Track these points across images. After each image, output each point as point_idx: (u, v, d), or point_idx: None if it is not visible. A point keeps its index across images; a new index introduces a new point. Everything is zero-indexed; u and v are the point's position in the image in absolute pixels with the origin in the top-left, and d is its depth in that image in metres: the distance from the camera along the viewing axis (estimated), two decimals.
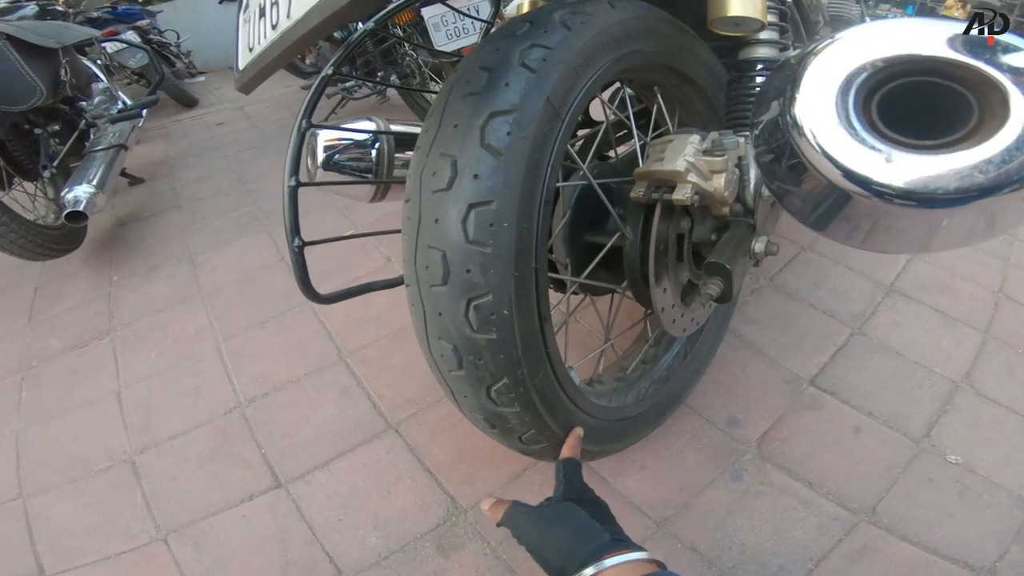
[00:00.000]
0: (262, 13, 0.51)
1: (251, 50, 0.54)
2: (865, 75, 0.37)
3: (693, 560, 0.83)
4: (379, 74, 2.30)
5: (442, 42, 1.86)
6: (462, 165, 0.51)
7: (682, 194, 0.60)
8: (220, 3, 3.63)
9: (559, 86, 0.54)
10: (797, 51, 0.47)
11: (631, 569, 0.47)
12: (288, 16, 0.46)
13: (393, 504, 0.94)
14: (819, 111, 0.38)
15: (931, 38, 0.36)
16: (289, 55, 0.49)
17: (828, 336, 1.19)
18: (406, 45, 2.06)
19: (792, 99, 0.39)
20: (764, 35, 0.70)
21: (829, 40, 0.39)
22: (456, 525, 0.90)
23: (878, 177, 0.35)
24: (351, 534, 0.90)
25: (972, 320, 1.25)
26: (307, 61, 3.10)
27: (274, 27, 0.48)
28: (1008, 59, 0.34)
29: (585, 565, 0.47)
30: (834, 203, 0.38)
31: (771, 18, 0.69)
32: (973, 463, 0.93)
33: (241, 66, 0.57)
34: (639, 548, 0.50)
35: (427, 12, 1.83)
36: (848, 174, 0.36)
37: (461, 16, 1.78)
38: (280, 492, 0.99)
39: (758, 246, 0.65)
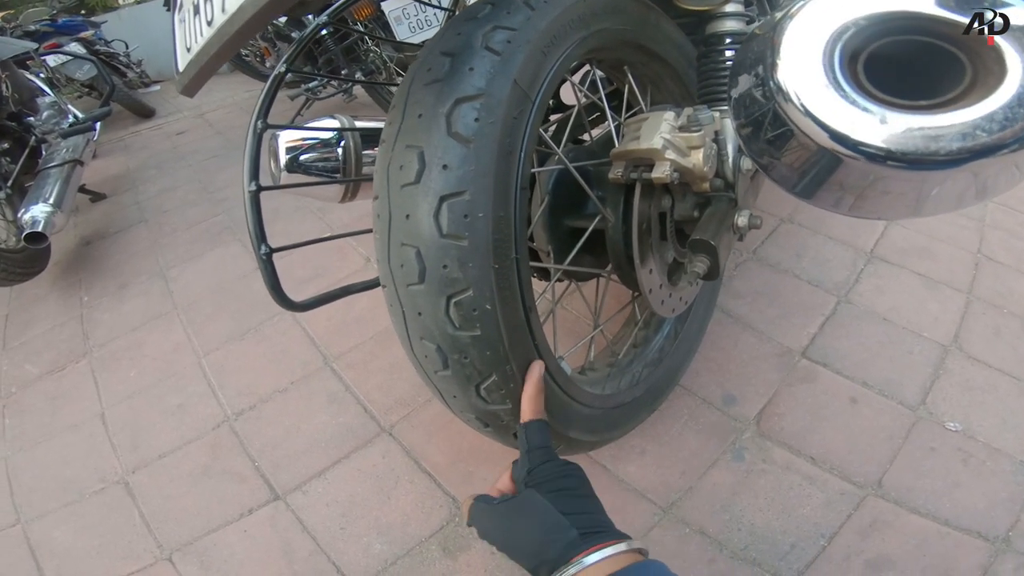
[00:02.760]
0: (196, 10, 0.47)
1: (189, 50, 0.50)
2: (849, 34, 0.36)
3: (703, 544, 0.82)
4: (343, 72, 2.23)
5: (405, 35, 1.80)
6: (430, 156, 0.48)
7: (661, 172, 0.58)
8: (168, 10, 3.51)
9: (526, 67, 0.51)
10: (766, 19, 0.44)
11: (611, 564, 0.41)
12: (223, 10, 0.42)
13: (394, 508, 0.93)
14: (804, 74, 0.36)
15: None
16: (228, 51, 0.46)
17: (815, 306, 1.19)
18: (369, 40, 1.99)
19: (774, 64, 0.37)
20: (729, 8, 0.69)
21: (803, 2, 0.37)
22: (460, 526, 0.89)
23: (872, 139, 0.33)
24: (355, 542, 0.89)
25: (954, 282, 1.26)
26: (267, 63, 3.00)
27: (209, 23, 0.45)
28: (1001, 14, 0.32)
29: (556, 567, 0.42)
30: (823, 169, 0.36)
31: None
32: (972, 429, 0.93)
33: (181, 68, 0.54)
34: (616, 535, 0.45)
35: (388, 6, 1.78)
36: (840, 138, 0.34)
37: (423, 7, 1.73)
38: (279, 504, 0.97)
39: (741, 220, 0.64)
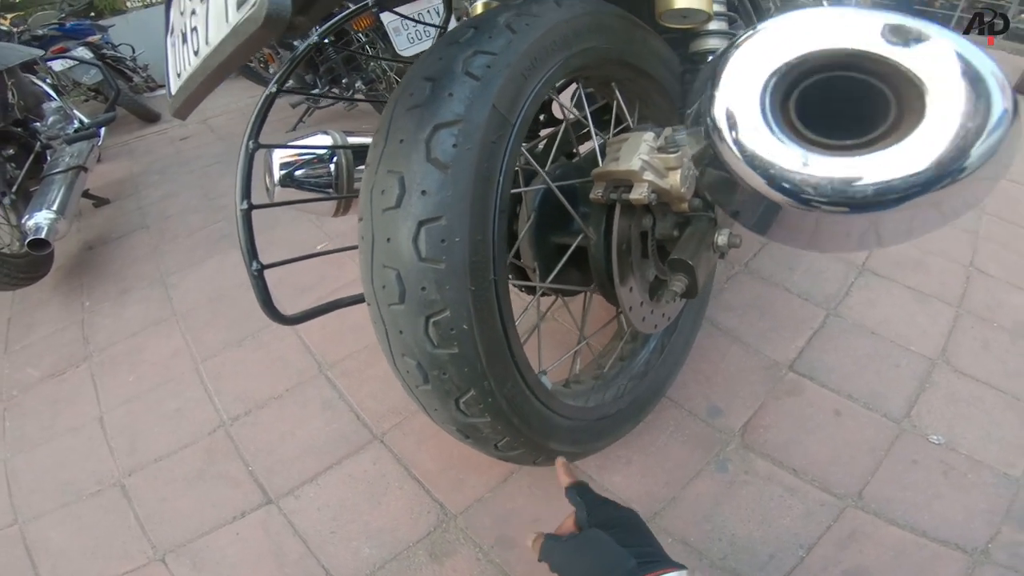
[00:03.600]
0: (184, 39, 0.49)
1: (179, 76, 0.52)
2: (782, 71, 0.36)
3: (685, 553, 0.83)
4: (343, 81, 2.26)
5: (403, 46, 1.83)
6: (409, 181, 0.50)
7: (639, 193, 0.60)
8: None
9: (505, 92, 0.53)
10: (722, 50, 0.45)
11: None
12: (207, 43, 0.44)
13: (384, 514, 0.94)
14: (736, 112, 0.36)
15: (851, 30, 0.35)
16: (215, 80, 0.47)
17: (804, 319, 1.20)
18: (369, 50, 2.02)
19: (711, 98, 0.38)
20: (713, 26, 0.70)
21: (749, 33, 0.38)
22: (447, 531, 0.90)
23: (795, 182, 0.34)
24: (344, 546, 0.91)
25: (945, 295, 1.27)
26: (271, 70, 3.03)
27: (196, 53, 0.47)
28: (923, 50, 0.33)
29: None
30: (765, 209, 0.37)
31: (719, 8, 0.68)
32: (955, 442, 0.94)
33: (172, 92, 0.56)
34: (672, 564, 0.50)
35: (386, 17, 1.80)
36: (768, 179, 0.35)
37: (430, 15, 1.75)
38: (271, 508, 0.99)
39: (720, 239, 0.65)
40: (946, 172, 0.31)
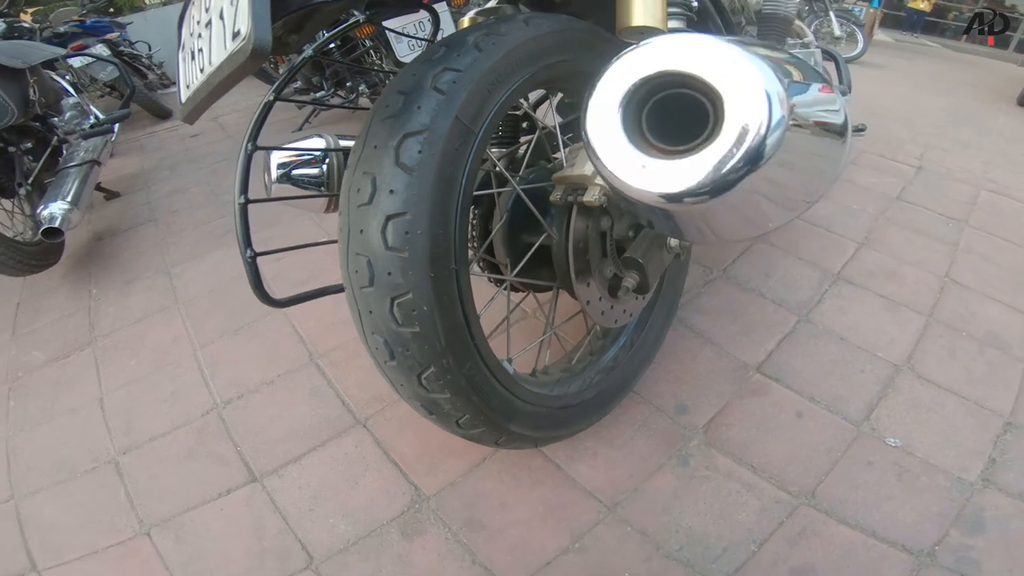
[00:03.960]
0: (192, 56, 0.56)
1: (188, 87, 0.59)
2: (634, 91, 0.43)
3: (642, 543, 0.87)
4: (348, 84, 2.34)
5: (404, 53, 1.91)
6: (380, 182, 0.56)
7: (591, 196, 0.65)
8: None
9: (468, 105, 0.59)
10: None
11: None
12: (210, 63, 0.51)
13: (361, 494, 0.99)
14: (597, 126, 0.44)
15: (688, 53, 0.42)
16: (218, 93, 0.54)
17: (775, 324, 1.24)
18: (374, 54, 2.10)
19: (585, 114, 0.45)
20: None
21: (614, 58, 0.45)
22: (420, 512, 0.95)
23: (636, 182, 0.42)
24: (322, 522, 0.96)
25: (916, 305, 1.30)
26: (280, 70, 3.12)
27: (202, 71, 0.54)
28: (727, 70, 0.40)
29: None
30: (639, 207, 0.43)
31: (676, 24, 0.74)
32: (912, 445, 0.97)
33: (183, 100, 0.63)
34: None
35: (388, 24, 1.87)
36: (620, 183, 0.42)
37: (421, 26, 1.83)
38: (256, 486, 1.04)
39: (672, 241, 0.70)
40: (734, 171, 0.38)
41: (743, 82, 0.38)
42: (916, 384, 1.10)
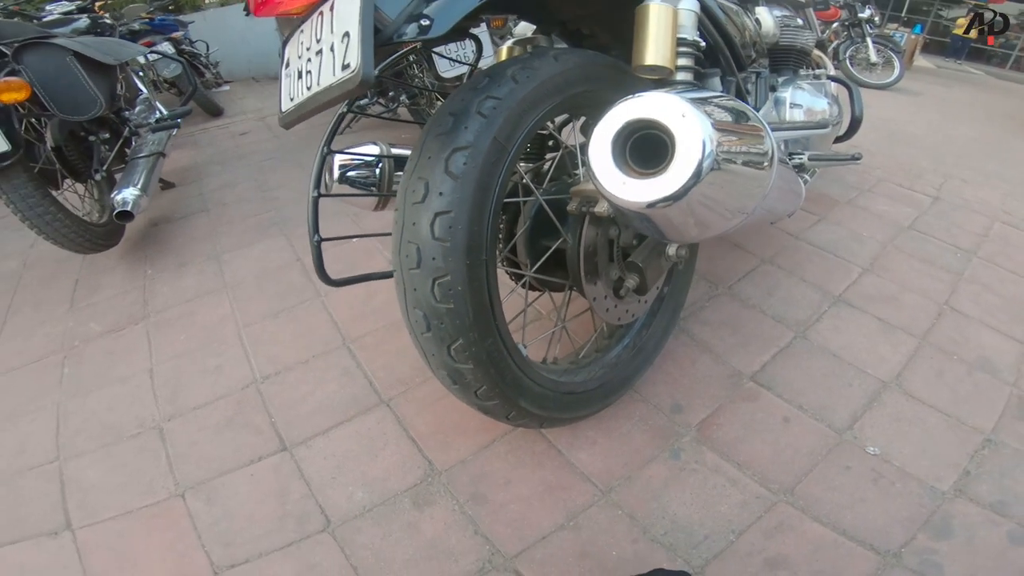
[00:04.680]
0: (300, 75, 0.70)
1: (292, 100, 0.73)
2: (620, 129, 0.58)
3: (630, 526, 0.95)
4: (390, 94, 2.52)
5: (444, 68, 2.07)
6: (431, 185, 0.70)
7: (601, 208, 0.77)
8: (247, 15, 3.87)
9: (504, 128, 0.72)
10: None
11: None
12: (318, 84, 0.65)
13: (379, 465, 1.09)
14: (595, 154, 0.59)
15: (656, 107, 0.57)
16: (319, 109, 0.68)
17: (773, 338, 1.33)
18: (415, 67, 2.27)
19: (588, 144, 0.60)
20: (679, 76, 0.87)
21: (610, 107, 0.60)
22: (431, 485, 1.04)
23: (619, 195, 0.58)
24: (341, 490, 1.04)
25: (911, 328, 1.36)
26: None
27: (308, 88, 0.68)
28: (675, 117, 0.55)
29: None
30: (627, 214, 0.56)
31: (684, 62, 0.85)
32: (890, 454, 1.03)
33: (283, 109, 0.76)
34: None
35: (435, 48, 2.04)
36: (609, 195, 0.58)
37: (461, 45, 1.99)
38: (285, 455, 1.13)
39: (670, 251, 0.81)
40: (684, 187, 0.55)
41: (688, 127, 0.54)
42: (901, 399, 1.16)
